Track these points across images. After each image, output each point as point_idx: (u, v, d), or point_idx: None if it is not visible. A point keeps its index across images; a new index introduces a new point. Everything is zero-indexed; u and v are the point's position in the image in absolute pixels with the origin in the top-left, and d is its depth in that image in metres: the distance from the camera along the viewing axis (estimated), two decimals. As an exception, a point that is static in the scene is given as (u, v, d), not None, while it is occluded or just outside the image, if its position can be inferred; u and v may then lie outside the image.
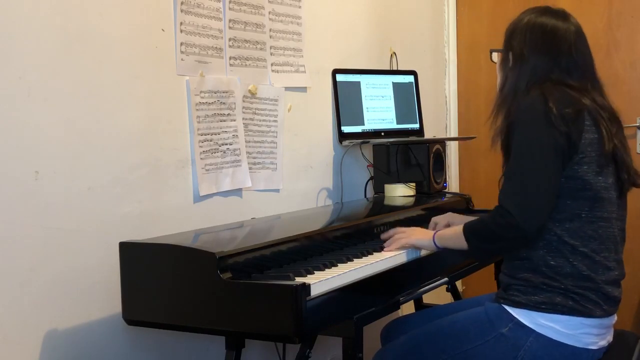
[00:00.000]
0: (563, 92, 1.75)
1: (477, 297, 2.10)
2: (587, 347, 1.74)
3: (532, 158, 1.70)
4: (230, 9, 2.31)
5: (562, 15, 1.87)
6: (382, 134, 2.88)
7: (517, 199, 1.70)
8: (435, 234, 1.95)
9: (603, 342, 1.78)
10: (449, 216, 2.20)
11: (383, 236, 2.08)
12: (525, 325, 1.74)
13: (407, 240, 1.99)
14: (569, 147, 1.71)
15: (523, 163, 1.72)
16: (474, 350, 1.79)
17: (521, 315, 1.75)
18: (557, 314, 1.72)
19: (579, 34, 1.86)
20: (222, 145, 2.28)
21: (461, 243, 1.83)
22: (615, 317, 1.82)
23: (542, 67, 1.82)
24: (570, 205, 1.74)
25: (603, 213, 1.76)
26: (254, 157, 2.43)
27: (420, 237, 1.98)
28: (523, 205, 1.69)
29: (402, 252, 1.97)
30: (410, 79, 3.07)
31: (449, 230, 1.95)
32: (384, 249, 1.99)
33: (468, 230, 1.82)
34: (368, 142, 2.80)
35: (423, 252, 2.02)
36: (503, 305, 1.79)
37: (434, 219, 2.21)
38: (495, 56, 1.97)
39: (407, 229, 2.06)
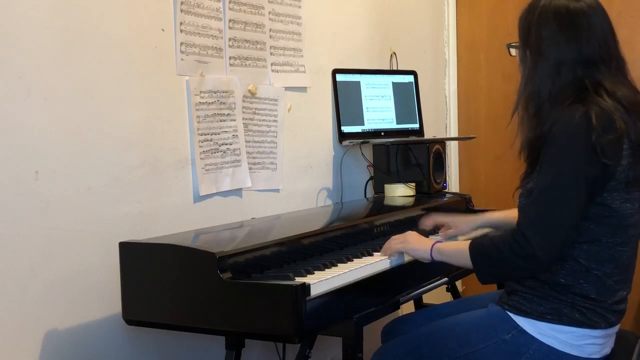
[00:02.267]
0: (602, 110, 1.62)
1: (478, 295, 2.07)
2: (590, 356, 1.71)
3: (564, 187, 1.61)
4: (230, 9, 2.31)
5: None
6: (382, 134, 2.88)
7: (540, 228, 1.61)
8: (433, 246, 1.84)
9: (606, 350, 1.76)
10: (450, 220, 2.18)
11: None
12: (529, 334, 1.71)
13: (401, 247, 1.90)
14: (605, 178, 1.62)
15: (552, 188, 1.62)
16: (474, 354, 1.76)
17: (525, 323, 1.72)
18: (563, 325, 1.68)
19: (595, 9, 1.73)
20: (222, 145, 2.28)
21: (465, 262, 1.75)
22: (618, 326, 1.78)
23: (568, 63, 1.70)
24: (593, 230, 1.66)
25: (624, 238, 1.69)
26: (254, 157, 2.43)
27: (415, 247, 1.87)
28: (545, 235, 1.60)
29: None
30: (410, 79, 3.07)
31: (451, 246, 1.86)
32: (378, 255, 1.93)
33: (477, 251, 1.72)
34: (368, 142, 2.80)
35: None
36: (507, 312, 1.75)
37: (432, 218, 2.20)
38: (514, 51, 1.85)
39: (402, 235, 1.94)
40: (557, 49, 1.71)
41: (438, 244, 1.85)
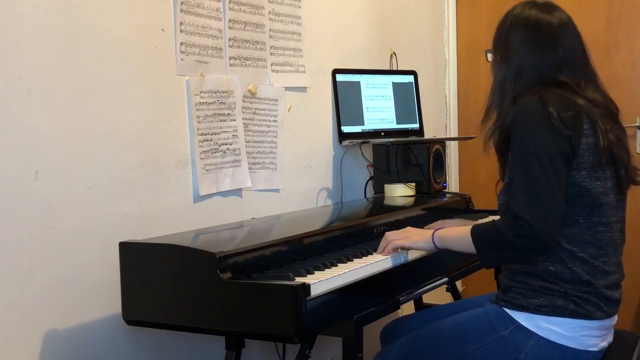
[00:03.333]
0: (559, 94, 1.72)
1: (477, 296, 2.09)
2: (587, 349, 1.73)
3: (542, 166, 1.65)
4: (230, 9, 2.31)
5: (547, 7, 1.83)
6: (382, 134, 2.88)
7: (534, 210, 1.64)
8: (434, 233, 1.89)
9: (604, 344, 1.78)
10: (440, 223, 2.19)
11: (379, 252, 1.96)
12: (526, 328, 1.73)
13: (403, 242, 1.91)
14: (571, 153, 1.68)
15: (533, 171, 1.66)
16: (474, 353, 1.77)
17: (522, 318, 1.74)
18: (558, 316, 1.71)
19: (565, 25, 1.82)
20: (222, 145, 2.28)
21: (468, 247, 1.77)
22: (615, 318, 1.81)
23: (530, 65, 1.79)
24: (568, 212, 1.70)
25: (601, 218, 1.73)
26: (254, 157, 2.43)
27: (416, 240, 1.90)
28: (542, 216, 1.63)
29: (401, 252, 1.95)
30: (410, 79, 3.07)
31: (452, 231, 1.88)
32: (376, 253, 1.92)
33: (479, 236, 1.75)
34: (368, 142, 2.80)
35: (422, 252, 2.00)
36: (503, 308, 1.77)
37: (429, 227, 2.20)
38: (490, 56, 1.94)
39: (400, 231, 1.97)
40: (522, 55, 1.81)
41: (438, 231, 1.88)
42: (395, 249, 1.92)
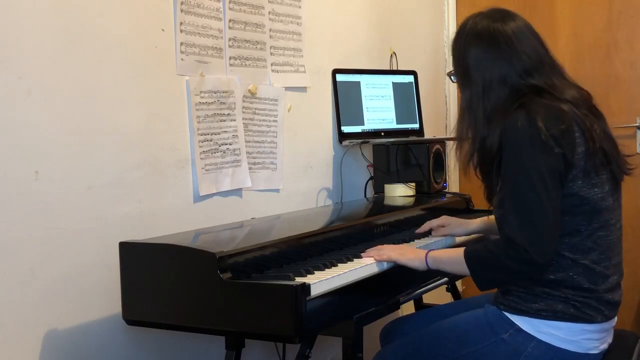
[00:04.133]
0: (545, 105, 1.66)
1: (477, 296, 2.08)
2: (588, 352, 1.72)
3: (533, 187, 1.62)
4: (230, 9, 2.31)
5: (499, 16, 1.77)
6: (382, 134, 2.88)
7: (527, 232, 1.62)
8: (427, 254, 1.85)
9: (604, 346, 1.77)
10: (443, 218, 2.19)
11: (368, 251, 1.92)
12: (526, 332, 1.71)
13: (397, 257, 1.87)
14: (566, 167, 1.65)
15: (524, 193, 1.63)
16: (474, 354, 1.77)
17: (521, 321, 1.72)
18: (558, 321, 1.69)
19: (520, 30, 1.74)
20: (222, 145, 2.28)
21: (461, 269, 1.76)
22: (615, 320, 1.80)
23: (495, 80, 1.72)
24: (569, 222, 1.68)
25: (601, 223, 1.71)
26: (254, 157, 2.43)
27: (411, 258, 1.87)
28: (535, 239, 1.61)
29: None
30: (410, 79, 3.07)
31: (445, 253, 1.85)
32: (363, 254, 1.90)
33: (472, 259, 1.74)
34: (368, 142, 2.80)
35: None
36: (503, 312, 1.76)
37: (429, 223, 2.20)
38: (455, 78, 1.86)
39: (396, 246, 1.97)
40: (484, 70, 1.74)
41: (432, 252, 1.86)
42: (388, 259, 1.88)
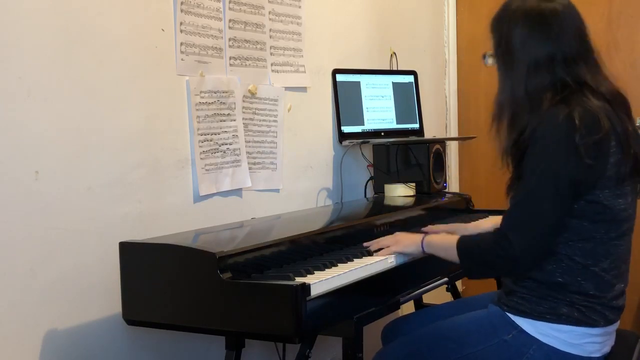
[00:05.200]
0: (586, 108, 1.61)
1: (478, 296, 2.07)
2: (590, 355, 1.71)
3: (547, 190, 1.61)
4: (230, 9, 2.31)
5: None
6: (382, 134, 2.88)
7: (522, 230, 1.62)
8: (424, 238, 1.89)
9: (606, 349, 1.76)
10: (453, 226, 2.18)
11: (366, 244, 1.99)
12: (528, 334, 1.71)
13: (396, 248, 1.91)
14: (591, 178, 1.62)
15: (535, 192, 1.62)
16: (476, 355, 1.76)
17: (524, 323, 1.71)
18: (562, 324, 1.68)
19: (569, 9, 1.70)
20: (222, 145, 2.28)
21: (452, 257, 1.77)
22: (618, 323, 1.78)
23: (542, 61, 1.67)
24: (588, 228, 1.66)
25: (618, 232, 1.69)
26: (254, 157, 2.43)
27: (407, 243, 1.90)
28: (527, 238, 1.62)
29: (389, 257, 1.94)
30: (410, 79, 3.07)
31: (440, 238, 1.88)
32: (364, 244, 1.96)
33: (463, 249, 1.75)
34: (368, 142, 2.80)
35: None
36: (506, 313, 1.75)
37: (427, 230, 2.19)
38: (491, 60, 1.82)
39: (392, 236, 1.98)
40: (530, 50, 1.69)
41: (428, 237, 1.89)
42: (388, 251, 1.92)
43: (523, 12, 1.71)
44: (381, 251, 1.93)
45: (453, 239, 1.80)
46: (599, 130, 1.60)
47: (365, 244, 1.99)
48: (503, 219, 1.69)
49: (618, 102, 1.70)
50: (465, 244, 1.76)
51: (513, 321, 1.73)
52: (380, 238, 1.98)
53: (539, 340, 1.70)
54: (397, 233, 1.99)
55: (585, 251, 1.67)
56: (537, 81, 1.69)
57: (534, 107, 1.67)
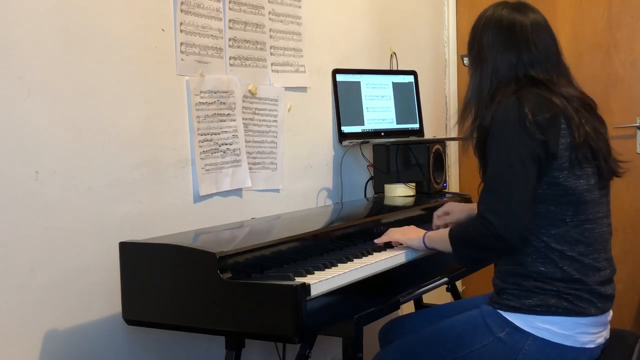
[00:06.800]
0: (536, 94, 1.73)
1: (476, 297, 2.09)
2: (584, 346, 1.73)
3: (510, 167, 1.68)
4: (230, 9, 2.31)
5: (520, 8, 1.85)
6: (382, 134, 2.88)
7: (497, 208, 1.68)
8: (425, 234, 1.95)
9: (600, 340, 1.78)
10: (447, 205, 2.21)
11: (377, 240, 2.05)
12: (522, 329, 1.73)
13: (400, 237, 2.00)
14: (546, 155, 1.69)
15: (501, 172, 1.70)
16: (471, 355, 1.78)
17: (516, 319, 1.74)
18: (552, 315, 1.72)
19: (538, 24, 1.84)
20: (222, 145, 2.28)
21: (448, 247, 1.82)
22: (610, 314, 1.81)
23: (504, 65, 1.81)
24: (554, 211, 1.72)
25: (588, 215, 1.74)
26: (254, 157, 2.43)
27: (412, 237, 1.98)
28: (504, 215, 1.67)
29: (401, 252, 1.96)
30: (410, 79, 3.07)
31: (437, 233, 1.94)
32: (375, 240, 2.02)
33: (453, 236, 1.81)
34: (368, 142, 2.80)
35: (422, 252, 2.01)
36: (498, 311, 1.78)
37: (435, 213, 2.22)
38: (467, 60, 1.96)
39: (400, 228, 2.05)
40: (496, 54, 1.83)
41: (428, 233, 1.96)
42: (395, 240, 2.01)
43: (495, 19, 1.86)
44: (387, 236, 2.01)
45: (446, 231, 1.85)
46: (548, 110, 1.70)
47: (376, 241, 2.04)
48: (478, 205, 1.74)
49: (581, 102, 1.79)
50: (455, 231, 1.83)
51: (505, 318, 1.76)
52: (392, 229, 2.05)
53: (532, 334, 1.73)
54: (407, 227, 2.05)
55: (559, 237, 1.73)
56: (500, 80, 1.82)
57: (493, 102, 1.79)
